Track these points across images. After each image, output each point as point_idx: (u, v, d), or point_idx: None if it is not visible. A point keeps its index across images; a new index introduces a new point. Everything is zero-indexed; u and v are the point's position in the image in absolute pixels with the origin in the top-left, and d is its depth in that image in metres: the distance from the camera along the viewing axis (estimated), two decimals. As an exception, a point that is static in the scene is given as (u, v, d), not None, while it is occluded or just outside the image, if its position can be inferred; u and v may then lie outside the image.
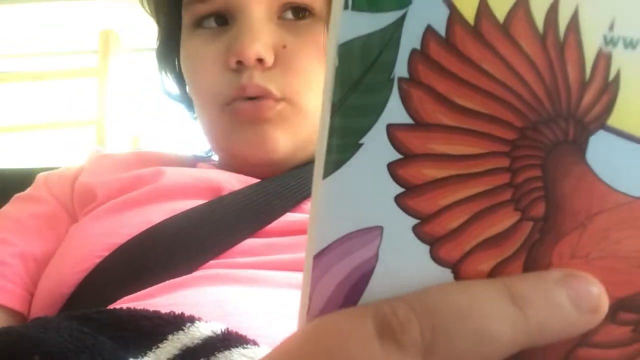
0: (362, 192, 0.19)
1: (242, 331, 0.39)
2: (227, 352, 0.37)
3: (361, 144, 0.18)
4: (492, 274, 0.20)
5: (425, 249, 0.20)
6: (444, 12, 0.18)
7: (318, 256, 0.19)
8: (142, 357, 0.37)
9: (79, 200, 0.62)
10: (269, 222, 0.54)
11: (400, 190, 0.19)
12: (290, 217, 0.56)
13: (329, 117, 0.18)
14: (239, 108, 0.60)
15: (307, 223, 0.61)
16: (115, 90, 2.39)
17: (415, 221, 0.19)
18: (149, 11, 0.72)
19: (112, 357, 0.35)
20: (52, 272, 0.54)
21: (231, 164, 0.66)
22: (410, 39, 0.18)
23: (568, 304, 0.19)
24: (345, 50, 0.18)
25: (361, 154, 0.19)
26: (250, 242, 0.53)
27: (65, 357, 0.35)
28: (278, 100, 0.60)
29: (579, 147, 0.19)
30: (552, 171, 0.20)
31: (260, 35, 0.59)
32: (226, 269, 0.49)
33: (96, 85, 2.33)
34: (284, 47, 0.60)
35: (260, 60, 0.58)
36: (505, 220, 0.20)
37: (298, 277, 0.48)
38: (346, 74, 0.18)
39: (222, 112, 0.62)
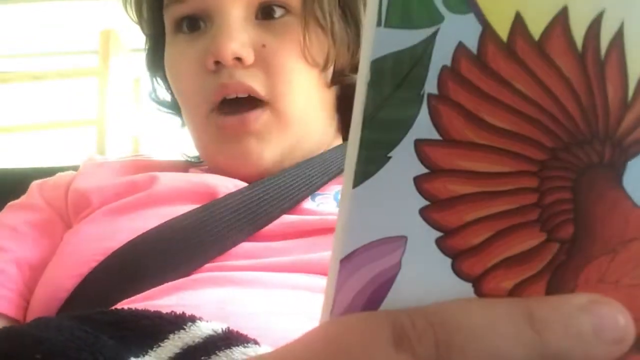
0: (388, 203, 0.19)
1: (244, 331, 0.39)
2: (228, 351, 0.37)
3: (389, 157, 0.19)
4: (514, 292, 0.20)
5: (447, 261, 0.20)
6: (477, 28, 0.18)
7: (344, 260, 0.20)
8: (144, 356, 0.37)
9: (73, 207, 0.62)
10: (265, 225, 0.54)
11: (425, 203, 0.19)
12: (286, 219, 0.56)
13: (360, 130, 0.19)
14: (222, 123, 0.60)
15: (303, 225, 0.60)
16: (115, 90, 2.39)
17: (438, 234, 0.20)
18: (132, 17, 0.71)
19: (113, 356, 0.35)
20: (48, 277, 0.54)
21: (221, 171, 0.65)
22: (441, 56, 0.18)
23: (590, 333, 0.18)
24: (378, 66, 0.18)
25: (389, 167, 0.19)
26: (246, 245, 0.53)
27: (66, 356, 0.35)
28: (263, 105, 0.59)
29: (616, 170, 0.19)
30: (583, 194, 0.19)
31: (237, 34, 0.58)
32: (223, 271, 0.49)
33: (96, 85, 2.33)
34: (263, 46, 0.59)
35: (239, 60, 0.58)
36: (531, 239, 0.20)
37: (295, 278, 0.48)
38: (377, 89, 0.18)
39: (207, 120, 0.62)
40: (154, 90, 0.75)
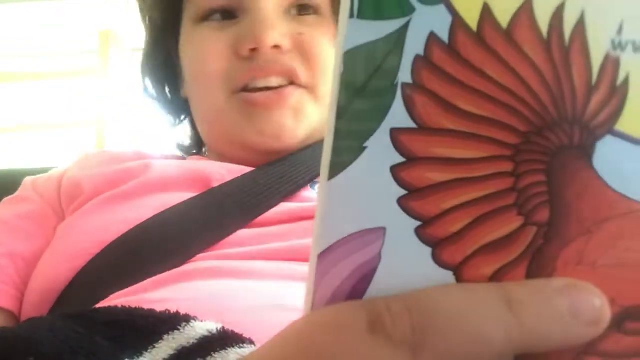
0: (366, 194, 0.19)
1: (238, 328, 0.38)
2: (223, 352, 0.36)
3: (365, 147, 0.19)
4: (494, 278, 0.20)
5: (427, 251, 0.20)
6: (447, 18, 0.18)
7: (323, 254, 0.20)
8: (138, 357, 0.36)
9: (66, 196, 0.62)
10: (261, 213, 0.54)
11: (403, 192, 0.19)
12: (284, 207, 0.56)
13: (335, 121, 0.19)
14: (253, 99, 0.61)
15: (301, 211, 0.60)
16: (115, 90, 2.39)
17: (417, 223, 0.20)
18: (142, 6, 0.72)
19: (107, 358, 0.35)
20: (44, 269, 0.54)
21: (224, 154, 0.66)
22: (414, 46, 0.18)
23: (567, 314, 0.19)
24: (351, 57, 0.18)
25: (365, 157, 0.19)
26: (240, 233, 0.53)
27: (60, 358, 0.35)
28: (300, 86, 0.61)
29: (586, 152, 0.19)
30: (557, 176, 0.20)
31: (276, 23, 0.60)
32: (217, 260, 0.49)
33: (96, 85, 2.33)
34: (300, 34, 0.62)
35: (276, 47, 0.59)
36: (508, 224, 0.20)
37: (289, 267, 0.48)
38: (351, 79, 0.18)
39: (230, 100, 0.62)
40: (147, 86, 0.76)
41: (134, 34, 2.42)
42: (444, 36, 0.18)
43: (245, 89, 0.61)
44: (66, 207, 0.61)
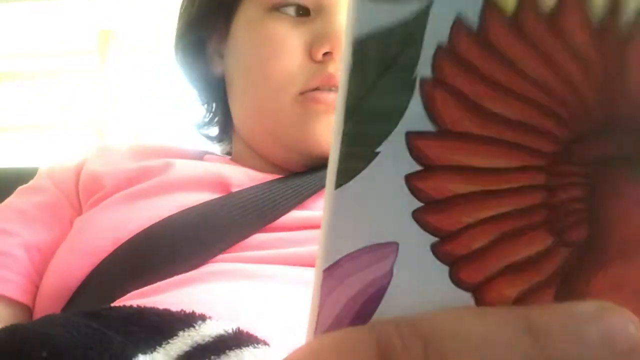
0: (377, 205, 0.17)
1: (253, 330, 0.38)
2: (238, 351, 0.36)
3: (377, 153, 0.17)
4: (518, 301, 0.18)
5: (444, 269, 0.18)
6: (477, 0, 0.16)
7: (328, 270, 0.18)
8: (152, 352, 0.36)
9: (84, 189, 0.61)
10: (277, 218, 0.54)
11: (418, 204, 0.17)
12: (296, 214, 0.56)
13: (343, 122, 0.16)
14: (321, 97, 0.60)
15: (314, 219, 0.60)
16: (114, 90, 2.39)
17: (434, 239, 0.18)
18: None
19: (120, 353, 0.35)
20: (59, 265, 0.54)
21: (256, 150, 0.65)
22: (435, 33, 0.16)
23: (597, 343, 0.17)
24: (361, 47, 0.16)
25: (377, 164, 0.17)
26: (258, 237, 0.53)
27: (73, 353, 0.35)
28: None
29: (637, 164, 0.17)
30: (599, 191, 0.17)
31: None
32: (235, 263, 0.49)
33: (96, 85, 2.33)
34: None
35: None
36: (538, 243, 0.18)
37: (304, 272, 0.48)
38: (362, 74, 0.16)
39: (295, 101, 0.61)
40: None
41: (134, 34, 2.43)
42: (473, 22, 0.16)
43: (311, 92, 0.60)
44: (84, 201, 0.61)
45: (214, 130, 0.77)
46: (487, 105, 0.17)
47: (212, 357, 0.36)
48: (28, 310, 0.56)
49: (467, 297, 0.18)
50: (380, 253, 0.18)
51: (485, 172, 0.17)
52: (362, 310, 0.18)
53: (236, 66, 0.66)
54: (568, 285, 0.18)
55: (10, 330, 0.37)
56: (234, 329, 0.38)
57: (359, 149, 0.17)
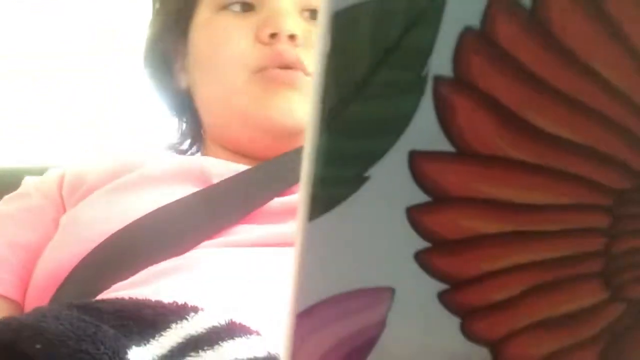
0: (366, 243, 0.14)
1: (241, 316, 0.39)
2: (231, 342, 0.37)
3: (367, 177, 0.13)
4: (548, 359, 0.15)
5: (454, 321, 0.15)
6: None
7: (302, 315, 0.14)
8: (145, 345, 0.36)
9: (68, 188, 0.63)
10: (260, 205, 0.56)
11: (424, 244, 0.14)
12: (282, 201, 0.57)
13: (318, 134, 0.12)
14: (274, 74, 0.63)
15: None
16: (114, 90, 2.39)
17: (443, 286, 0.14)
18: None
19: (114, 345, 0.35)
20: (48, 258, 0.55)
21: (227, 143, 0.68)
22: (461, 11, 0.11)
23: None
24: (344, 25, 0.11)
25: (367, 191, 0.13)
26: (241, 224, 0.54)
27: (67, 346, 0.35)
28: (307, 74, 0.64)
29: None
30: None
31: (293, 16, 0.65)
32: (218, 248, 0.51)
33: (96, 85, 2.33)
34: (310, 31, 0.65)
35: (292, 37, 0.63)
36: (587, 297, 0.15)
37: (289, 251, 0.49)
38: (344, 66, 0.11)
39: (250, 80, 0.65)
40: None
41: (134, 34, 2.42)
42: None
43: (263, 70, 0.64)
44: (68, 198, 0.63)
45: (185, 144, 0.80)
46: (533, 120, 0.12)
47: (206, 347, 0.36)
48: (18, 306, 0.57)
49: (483, 353, 0.15)
50: (370, 299, 0.14)
51: (522, 208, 0.13)
52: None
53: (195, 67, 0.71)
54: (619, 347, 0.15)
55: (3, 323, 0.37)
56: (227, 321, 0.38)
57: (340, 171, 0.13)
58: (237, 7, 0.67)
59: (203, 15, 0.69)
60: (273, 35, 0.63)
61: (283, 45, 0.63)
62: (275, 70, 0.64)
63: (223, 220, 0.54)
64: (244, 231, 0.53)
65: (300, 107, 0.64)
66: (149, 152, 0.70)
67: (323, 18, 0.11)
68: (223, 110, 0.69)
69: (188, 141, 0.79)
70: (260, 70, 0.64)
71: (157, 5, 0.76)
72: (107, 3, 2.40)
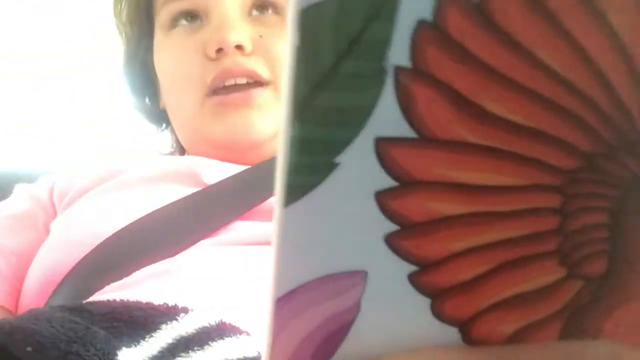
0: (338, 228, 0.14)
1: (232, 316, 0.39)
2: (221, 342, 0.37)
3: (337, 164, 0.13)
4: (515, 338, 0.16)
5: (424, 302, 0.15)
6: None
7: (281, 301, 0.15)
8: (136, 346, 0.36)
9: (59, 194, 0.64)
10: (254, 205, 0.56)
11: (393, 228, 0.14)
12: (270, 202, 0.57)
13: (291, 123, 0.13)
14: (227, 100, 0.63)
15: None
16: (114, 90, 2.39)
17: (413, 268, 0.15)
18: (120, 25, 0.76)
19: (104, 346, 0.35)
20: (42, 263, 0.55)
21: (212, 152, 0.68)
22: (414, 4, 0.12)
23: None
24: (311, 21, 0.12)
25: (337, 178, 0.13)
26: (235, 223, 0.54)
27: (57, 347, 0.35)
28: (265, 84, 0.63)
29: None
30: (627, 218, 0.14)
31: (237, 25, 0.63)
32: (212, 247, 0.51)
33: (96, 85, 2.33)
34: (260, 36, 0.64)
35: (239, 48, 0.62)
36: (545, 275, 0.15)
37: None
38: (313, 58, 0.12)
39: (204, 104, 0.65)
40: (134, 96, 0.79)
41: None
42: None
43: (217, 91, 0.64)
44: (58, 203, 0.63)
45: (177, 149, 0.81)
46: (487, 106, 0.13)
47: (196, 348, 0.36)
48: (9, 314, 0.57)
49: (452, 333, 0.16)
50: (344, 283, 0.15)
51: (482, 190, 0.14)
52: (323, 348, 0.16)
53: (163, 90, 0.72)
54: (577, 322, 0.16)
55: (-5, 326, 0.38)
56: (217, 321, 0.38)
57: (312, 158, 0.13)
58: (184, 21, 0.67)
59: (157, 39, 0.70)
60: (219, 50, 0.63)
61: (231, 59, 0.62)
62: (228, 96, 0.63)
63: (216, 224, 0.54)
64: (238, 229, 0.53)
65: (259, 121, 0.63)
66: (136, 155, 0.71)
67: (292, 15, 0.12)
68: (186, 132, 0.70)
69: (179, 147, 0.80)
70: (215, 91, 0.64)
71: (123, 36, 0.77)
72: (107, 3, 2.40)
